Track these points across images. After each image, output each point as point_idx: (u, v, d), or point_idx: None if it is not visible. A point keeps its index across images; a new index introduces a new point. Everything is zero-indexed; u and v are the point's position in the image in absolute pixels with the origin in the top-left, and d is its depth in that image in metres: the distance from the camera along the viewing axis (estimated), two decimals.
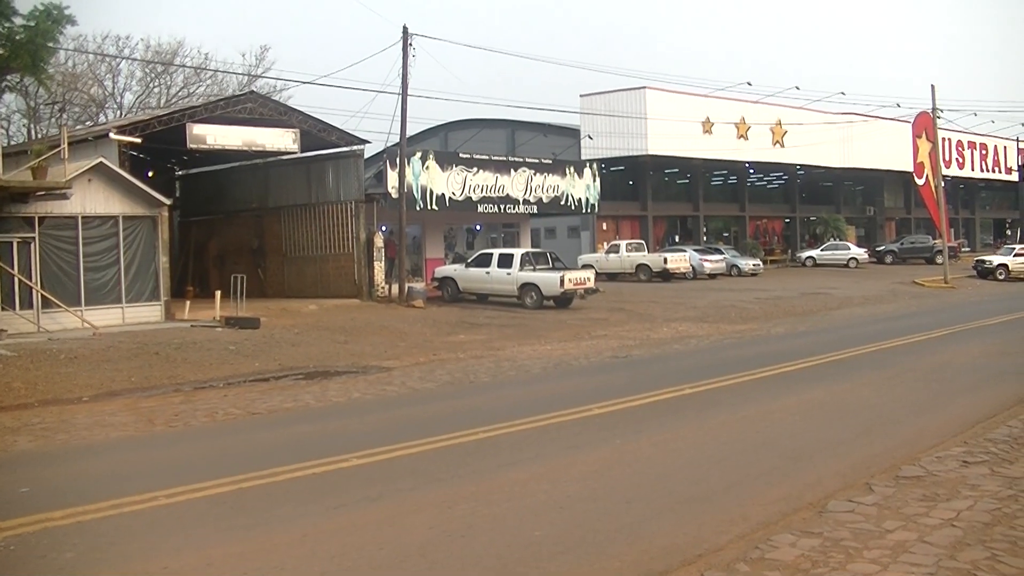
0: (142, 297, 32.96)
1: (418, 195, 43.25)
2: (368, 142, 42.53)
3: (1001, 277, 64.09)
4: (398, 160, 41.46)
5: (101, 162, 31.54)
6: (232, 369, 24.46)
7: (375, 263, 41.43)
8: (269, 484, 12.16)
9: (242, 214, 47.02)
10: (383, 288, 41.43)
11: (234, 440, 15.80)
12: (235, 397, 20.14)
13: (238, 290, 34.36)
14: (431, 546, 9.75)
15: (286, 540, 9.92)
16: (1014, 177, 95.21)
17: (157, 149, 40.42)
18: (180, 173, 50.46)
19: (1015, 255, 66.43)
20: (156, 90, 65.33)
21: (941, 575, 8.61)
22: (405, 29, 39.94)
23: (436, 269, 45.22)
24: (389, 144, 43.42)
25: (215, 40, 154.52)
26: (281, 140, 39.00)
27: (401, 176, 41.17)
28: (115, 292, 32.29)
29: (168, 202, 34.40)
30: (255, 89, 54.70)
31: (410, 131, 44.31)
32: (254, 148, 39.09)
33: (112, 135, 34.58)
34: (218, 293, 34.20)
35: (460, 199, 45.51)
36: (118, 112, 62.84)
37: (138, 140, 35.54)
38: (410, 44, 39.93)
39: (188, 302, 35.24)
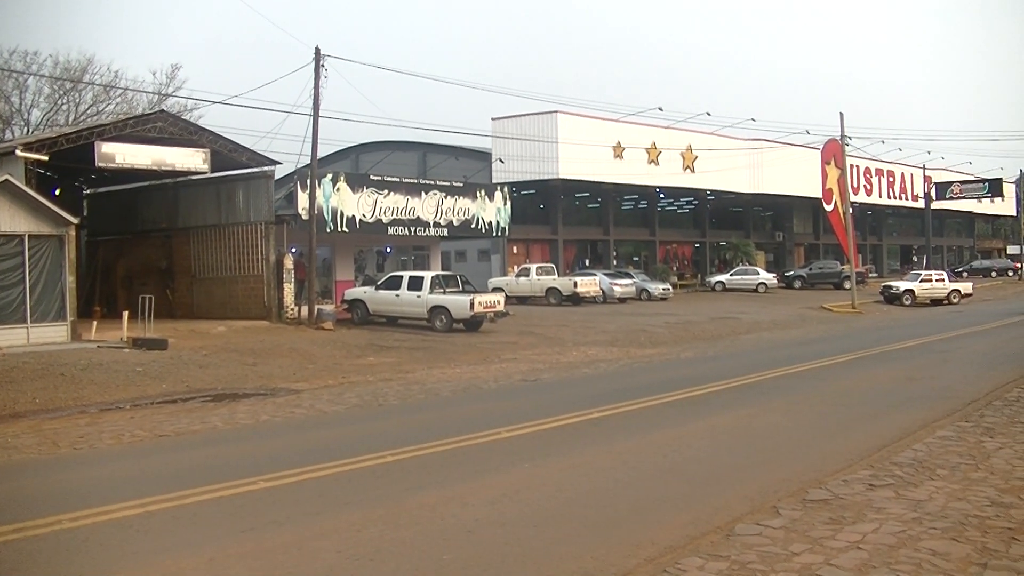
0: (48, 317, 32.47)
1: (328, 217, 43.14)
2: (279, 163, 42.40)
3: (908, 302, 65.06)
4: (309, 182, 41.30)
5: (7, 179, 31.10)
6: (139, 391, 24.23)
7: (285, 285, 41.21)
8: (176, 507, 12.07)
9: (151, 234, 46.60)
10: (292, 310, 41.21)
11: (140, 463, 15.64)
12: (142, 419, 19.94)
13: (146, 311, 34.02)
14: (338, 570, 9.73)
15: (192, 564, 9.86)
16: (920, 204, 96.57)
17: (65, 167, 39.94)
18: (88, 192, 49.85)
19: (921, 281, 67.48)
20: (64, 107, 64.61)
21: None
22: (317, 50, 39.83)
23: (346, 291, 45.03)
24: (300, 165, 43.34)
25: (126, 57, 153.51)
26: (191, 160, 38.72)
27: (312, 198, 41.01)
28: (20, 312, 31.79)
29: (76, 221, 33.95)
30: (165, 108, 54.22)
31: (321, 153, 44.17)
32: (164, 167, 38.74)
33: (18, 152, 34.08)
34: (126, 314, 33.85)
35: (371, 221, 45.42)
36: (25, 129, 62.07)
37: (45, 158, 35.05)
38: (322, 65, 39.80)
39: (95, 323, 34.78)
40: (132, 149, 37.13)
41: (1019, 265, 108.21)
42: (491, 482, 13.48)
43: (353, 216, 44.39)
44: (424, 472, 14.15)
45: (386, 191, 46.23)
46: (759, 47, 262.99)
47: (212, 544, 10.51)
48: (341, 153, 73.91)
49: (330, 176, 44.36)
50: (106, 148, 36.31)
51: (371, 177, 47.94)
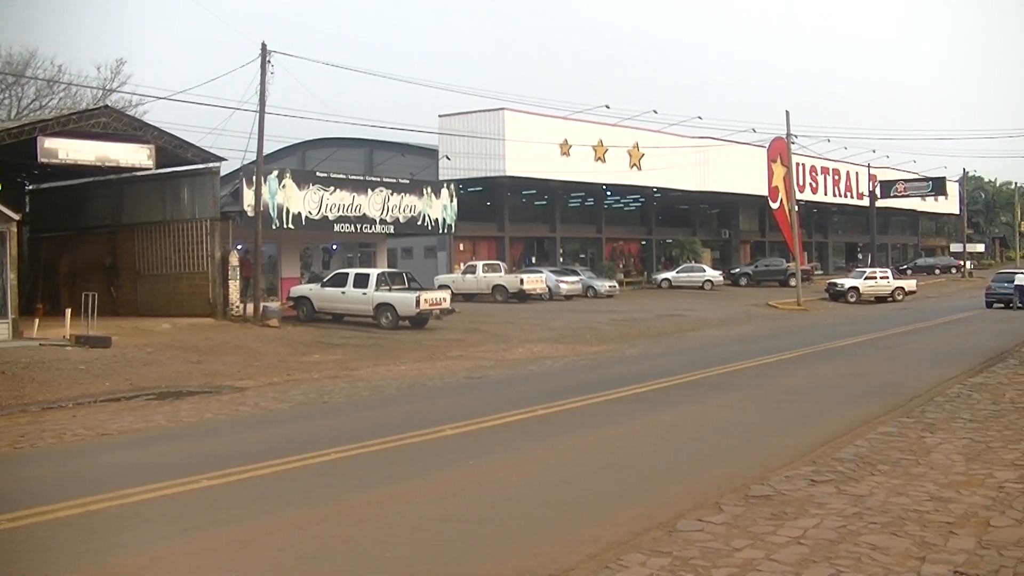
0: None
1: (274, 214, 42.93)
2: (224, 159, 42.10)
3: (852, 300, 65.49)
4: (255, 178, 41.09)
5: None
6: (82, 389, 24.07)
7: (230, 282, 40.94)
8: (118, 506, 11.99)
9: (95, 231, 46.16)
10: (238, 307, 40.96)
11: (82, 462, 15.53)
12: (84, 418, 19.79)
13: (90, 308, 33.73)
14: (283, 569, 9.72)
15: (135, 564, 9.81)
16: (865, 202, 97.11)
17: (6, 163, 39.51)
18: (31, 188, 49.33)
19: (866, 278, 67.93)
20: (6, 102, 63.88)
21: None
22: (263, 46, 39.61)
23: (292, 288, 44.86)
24: (246, 162, 43.06)
25: (70, 52, 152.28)
26: (136, 156, 38.41)
27: (257, 194, 40.83)
28: None
29: (17, 217, 33.62)
30: (110, 103, 53.76)
31: (267, 149, 44.00)
32: (108, 163, 38.40)
33: None
34: (69, 311, 33.55)
35: (317, 218, 45.23)
36: None
37: None
38: (268, 61, 39.58)
39: (37, 320, 34.50)
40: (76, 145, 36.75)
41: (962, 263, 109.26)
42: (436, 479, 13.48)
43: (299, 213, 44.20)
44: (369, 470, 14.17)
45: (332, 188, 46.05)
46: (706, 45, 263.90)
47: (156, 543, 10.47)
48: (288, 150, 73.47)
49: (276, 173, 44.14)
50: (49, 144, 35.91)
51: (317, 174, 47.80)
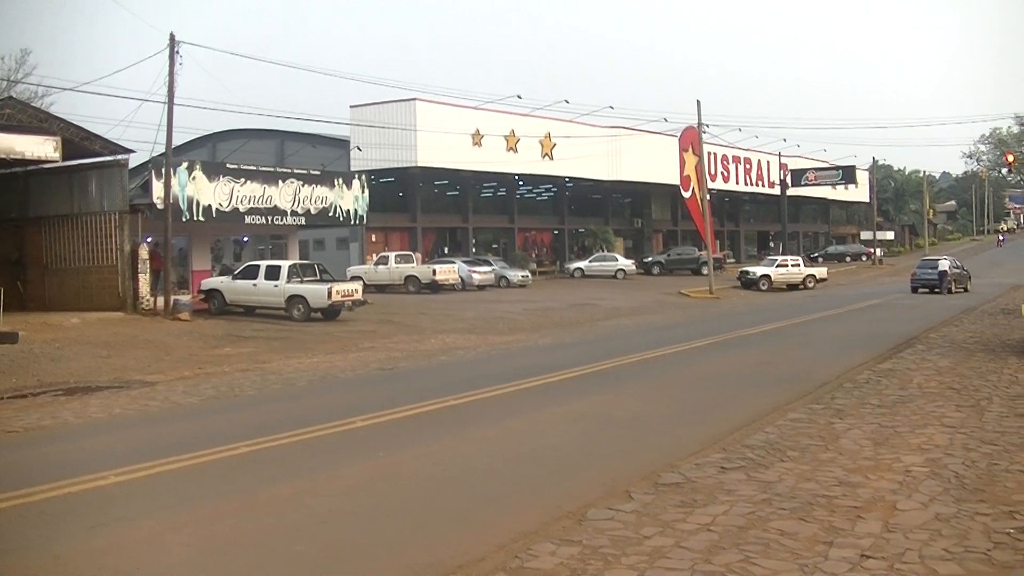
0: None
1: (184, 206, 42.49)
2: (133, 151, 41.58)
3: (764, 288, 66.30)
4: (164, 170, 40.67)
5: None
6: None
7: (140, 275, 40.48)
8: (23, 505, 11.82)
9: (1, 224, 45.52)
10: (148, 301, 40.51)
11: None
12: None
13: None
14: (190, 564, 9.65)
15: (38, 563, 9.68)
16: (776, 191, 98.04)
17: None
18: None
19: (777, 266, 68.77)
20: None
21: None
22: (172, 36, 39.18)
23: (202, 281, 44.48)
24: (155, 154, 42.62)
25: None
26: (41, 148, 37.83)
27: (167, 187, 40.40)
28: None
29: None
30: (14, 95, 52.98)
31: (177, 141, 43.58)
32: (12, 156, 37.77)
33: None
34: None
35: (227, 210, 44.83)
36: None
37: None
38: (177, 52, 39.18)
39: None
40: None
41: (872, 250, 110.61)
42: (346, 472, 13.44)
43: (209, 205, 43.79)
44: (279, 463, 14.07)
45: (243, 179, 45.66)
46: (617, 35, 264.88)
47: (58, 542, 10.32)
48: (198, 141, 72.84)
49: (186, 164, 43.69)
50: None
51: (228, 165, 47.31)
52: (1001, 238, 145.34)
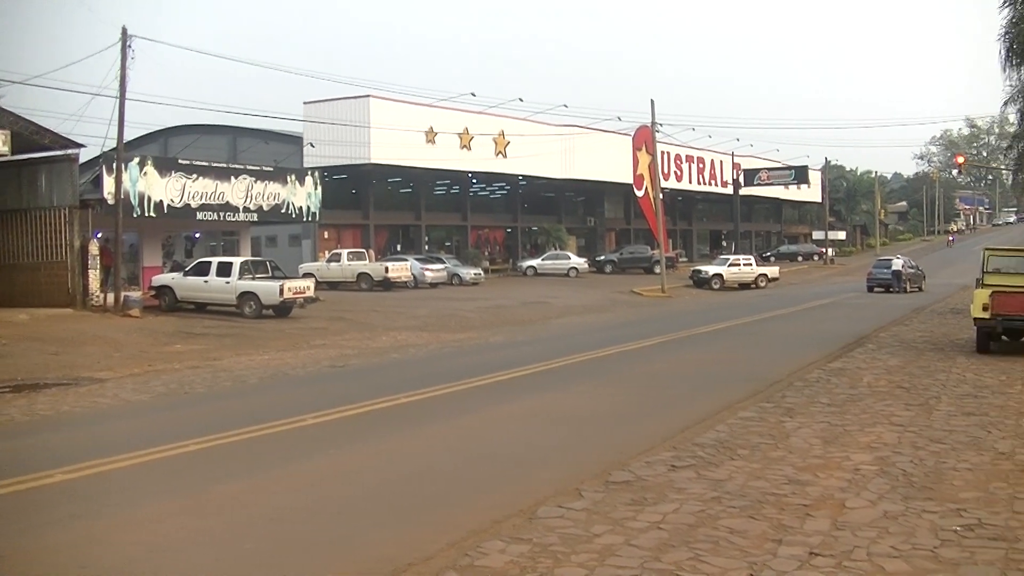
0: None
1: (136, 202, 42.26)
2: (83, 146, 41.28)
3: (716, 287, 66.65)
4: (115, 165, 40.36)
5: None
6: None
7: (90, 271, 40.21)
8: None
9: None
10: (98, 297, 40.25)
11: None
12: None
13: None
14: (138, 563, 9.57)
15: None
16: (729, 190, 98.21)
17: None
18: None
19: (730, 265, 69.13)
20: None
21: None
22: (124, 30, 38.90)
23: (154, 278, 44.21)
24: (107, 149, 42.34)
25: None
26: None
27: (118, 182, 40.07)
28: None
29: None
30: None
31: (129, 136, 43.32)
32: None
33: None
34: None
35: (179, 206, 44.62)
36: None
37: None
38: (129, 46, 38.92)
39: None
40: None
41: (824, 250, 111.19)
42: (296, 470, 13.40)
43: (161, 201, 43.57)
44: (229, 461, 14.01)
45: (195, 175, 45.45)
46: (572, 34, 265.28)
47: (1, 540, 10.22)
48: (150, 136, 72.27)
49: (137, 160, 43.46)
50: None
51: (180, 161, 47.11)
52: (951, 238, 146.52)
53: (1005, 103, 37.12)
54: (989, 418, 16.63)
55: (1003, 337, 27.84)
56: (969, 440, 14.66)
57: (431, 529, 10.50)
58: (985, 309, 26.35)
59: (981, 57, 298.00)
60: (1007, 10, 28.19)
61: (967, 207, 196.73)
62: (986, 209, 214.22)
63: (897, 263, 63.74)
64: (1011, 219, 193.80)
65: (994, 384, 20.88)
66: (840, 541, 9.80)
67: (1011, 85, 33.25)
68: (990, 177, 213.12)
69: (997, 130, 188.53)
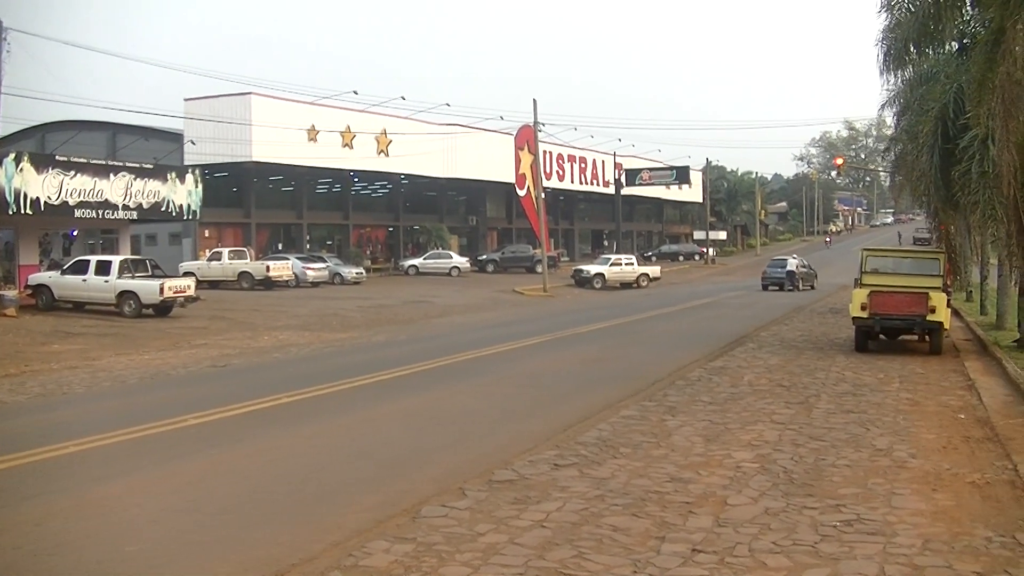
0: None
1: (11, 199, 41.51)
2: None
3: (598, 286, 67.06)
4: None
5: None
6: None
7: None
8: None
9: None
10: None
11: None
12: None
13: None
14: (17, 567, 9.42)
15: None
16: (611, 190, 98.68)
17: None
18: None
19: (611, 264, 69.62)
20: None
21: (530, 575, 8.91)
22: None
23: (30, 276, 43.43)
24: None
25: None
26: None
27: None
28: None
29: None
30: None
31: (4, 132, 42.59)
32: None
33: None
34: None
35: (56, 203, 43.90)
36: None
37: None
38: (4, 38, 38.30)
39: None
40: None
41: (705, 250, 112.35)
42: (177, 470, 13.27)
43: (38, 198, 42.84)
44: (109, 462, 13.82)
45: (73, 172, 44.77)
46: (453, 32, 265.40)
47: None
48: (26, 132, 71.05)
49: (13, 156, 42.68)
50: None
51: (57, 158, 46.35)
52: (828, 239, 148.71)
53: (883, 106, 37.90)
54: (867, 416, 16.99)
55: (881, 336, 28.41)
56: (848, 437, 14.95)
57: (315, 529, 10.46)
58: (863, 308, 26.85)
59: (860, 61, 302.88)
60: (884, 15, 28.68)
61: (846, 208, 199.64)
62: (864, 210, 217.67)
63: (792, 263, 66.92)
64: (888, 220, 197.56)
65: (872, 382, 21.34)
66: (722, 538, 9.93)
67: (888, 89, 33.88)
68: (868, 179, 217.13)
69: (875, 132, 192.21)
